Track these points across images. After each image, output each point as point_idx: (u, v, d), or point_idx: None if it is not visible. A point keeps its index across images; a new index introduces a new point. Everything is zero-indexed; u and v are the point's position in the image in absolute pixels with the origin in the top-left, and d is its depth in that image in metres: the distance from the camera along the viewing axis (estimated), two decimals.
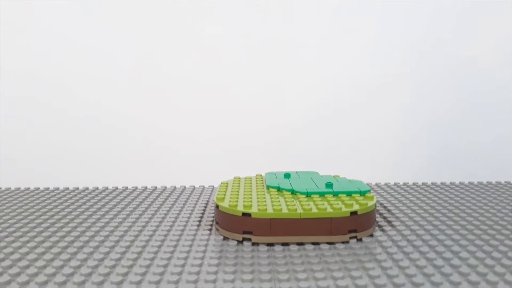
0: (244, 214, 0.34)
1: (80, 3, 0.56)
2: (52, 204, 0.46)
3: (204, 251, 0.32)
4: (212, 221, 0.40)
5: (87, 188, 0.53)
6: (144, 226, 0.38)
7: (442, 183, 0.54)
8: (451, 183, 0.54)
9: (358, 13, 0.58)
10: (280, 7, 0.56)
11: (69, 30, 0.58)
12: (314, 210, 0.34)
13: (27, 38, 0.58)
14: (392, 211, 0.42)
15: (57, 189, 0.53)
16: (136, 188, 0.53)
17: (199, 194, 0.50)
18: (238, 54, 0.59)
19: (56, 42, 0.58)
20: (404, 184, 0.54)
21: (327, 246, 0.33)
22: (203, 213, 0.42)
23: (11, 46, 0.58)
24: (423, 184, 0.54)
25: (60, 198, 0.48)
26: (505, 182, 0.54)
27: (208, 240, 0.35)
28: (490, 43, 0.58)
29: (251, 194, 0.39)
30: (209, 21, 0.58)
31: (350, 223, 0.34)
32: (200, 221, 0.40)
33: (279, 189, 0.41)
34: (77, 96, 0.59)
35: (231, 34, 0.58)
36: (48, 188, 0.53)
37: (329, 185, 0.40)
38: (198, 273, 0.29)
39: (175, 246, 0.33)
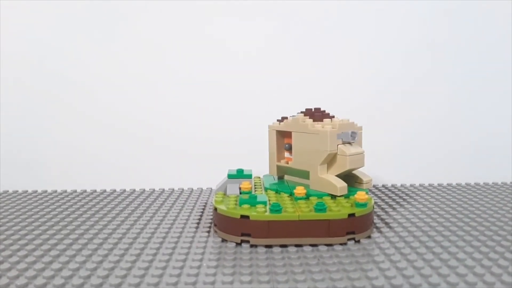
0: (242, 216, 0.34)
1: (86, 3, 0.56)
2: (50, 207, 0.46)
3: (203, 253, 0.32)
4: (211, 223, 0.40)
5: (85, 191, 0.53)
6: (142, 229, 0.38)
7: (439, 185, 0.54)
8: (448, 185, 0.54)
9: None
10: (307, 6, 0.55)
11: (70, 30, 0.58)
12: (312, 212, 0.34)
13: (31, 38, 0.58)
14: (390, 212, 0.42)
15: (55, 191, 0.53)
16: (134, 190, 0.53)
17: (197, 196, 0.50)
18: (238, 55, 0.59)
19: (57, 43, 0.58)
20: (402, 185, 0.54)
21: (325, 247, 0.33)
22: (201, 215, 0.42)
23: (12, 46, 0.58)
24: (420, 185, 0.54)
25: (58, 201, 0.48)
26: (502, 183, 0.54)
27: (206, 242, 0.35)
28: (490, 43, 0.59)
29: None
30: (216, 21, 0.58)
31: (348, 225, 0.34)
32: (198, 223, 0.40)
33: (277, 191, 0.41)
34: (73, 96, 0.59)
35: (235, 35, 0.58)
36: (46, 191, 0.53)
37: None
38: (197, 275, 0.29)
39: (174, 248, 0.34)
